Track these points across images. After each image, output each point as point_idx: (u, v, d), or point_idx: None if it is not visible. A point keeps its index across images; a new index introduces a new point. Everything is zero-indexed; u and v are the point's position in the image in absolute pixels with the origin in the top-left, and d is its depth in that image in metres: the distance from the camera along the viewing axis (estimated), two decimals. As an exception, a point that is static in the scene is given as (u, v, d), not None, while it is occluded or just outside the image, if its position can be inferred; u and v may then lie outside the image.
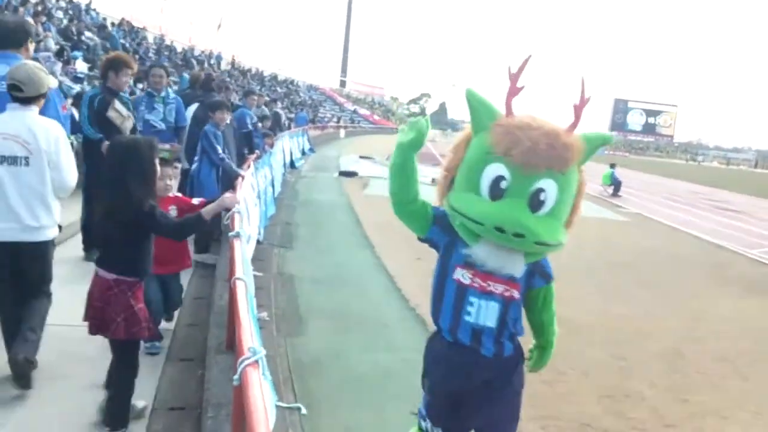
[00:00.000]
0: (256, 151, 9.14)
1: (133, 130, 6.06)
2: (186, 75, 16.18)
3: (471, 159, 2.23)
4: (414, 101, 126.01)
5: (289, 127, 20.60)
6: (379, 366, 4.49)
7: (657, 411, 4.25)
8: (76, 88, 11.62)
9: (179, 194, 4.46)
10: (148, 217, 3.03)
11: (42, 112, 3.66)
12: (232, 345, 3.56)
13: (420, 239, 2.42)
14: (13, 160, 3.42)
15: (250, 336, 2.13)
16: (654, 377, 4.83)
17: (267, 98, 15.94)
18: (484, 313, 2.28)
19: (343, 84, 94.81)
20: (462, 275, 2.28)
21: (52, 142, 3.51)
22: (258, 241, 7.16)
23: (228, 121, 7.04)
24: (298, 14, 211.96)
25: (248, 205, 6.17)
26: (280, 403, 3.37)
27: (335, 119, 52.13)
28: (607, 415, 4.10)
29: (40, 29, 14.69)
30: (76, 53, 16.18)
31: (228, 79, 23.56)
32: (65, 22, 19.60)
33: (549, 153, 2.07)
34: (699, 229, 13.57)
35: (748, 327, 6.55)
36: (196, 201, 4.33)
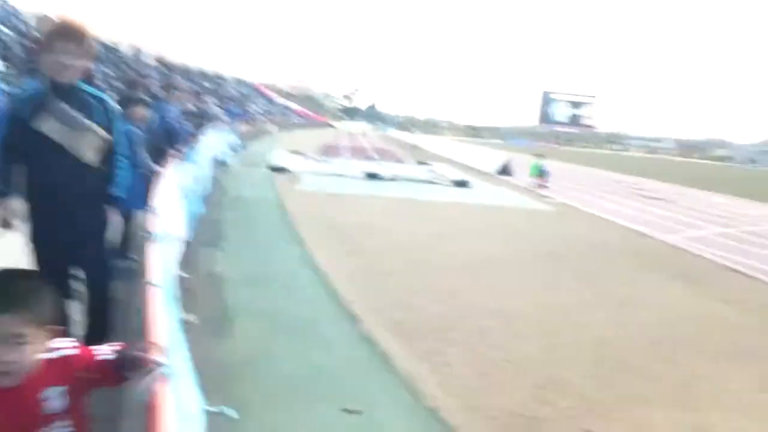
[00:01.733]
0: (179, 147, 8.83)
1: (110, 154, 3.64)
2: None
3: None
4: (347, 96, 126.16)
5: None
6: (310, 365, 4.38)
7: (585, 398, 4.31)
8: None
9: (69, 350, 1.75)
10: None
11: None
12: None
13: None
14: None
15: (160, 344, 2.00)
16: (583, 365, 4.91)
17: (195, 91, 15.43)
18: None
19: (273, 78, 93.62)
20: None
21: None
22: (186, 242, 6.92)
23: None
24: (228, 8, 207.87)
25: (172, 204, 5.94)
26: (209, 408, 3.23)
27: (266, 114, 51.27)
28: (537, 404, 4.14)
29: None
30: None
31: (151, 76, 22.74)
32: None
33: None
34: (623, 217, 14.01)
35: (672, 312, 6.76)
36: (104, 353, 1.81)
